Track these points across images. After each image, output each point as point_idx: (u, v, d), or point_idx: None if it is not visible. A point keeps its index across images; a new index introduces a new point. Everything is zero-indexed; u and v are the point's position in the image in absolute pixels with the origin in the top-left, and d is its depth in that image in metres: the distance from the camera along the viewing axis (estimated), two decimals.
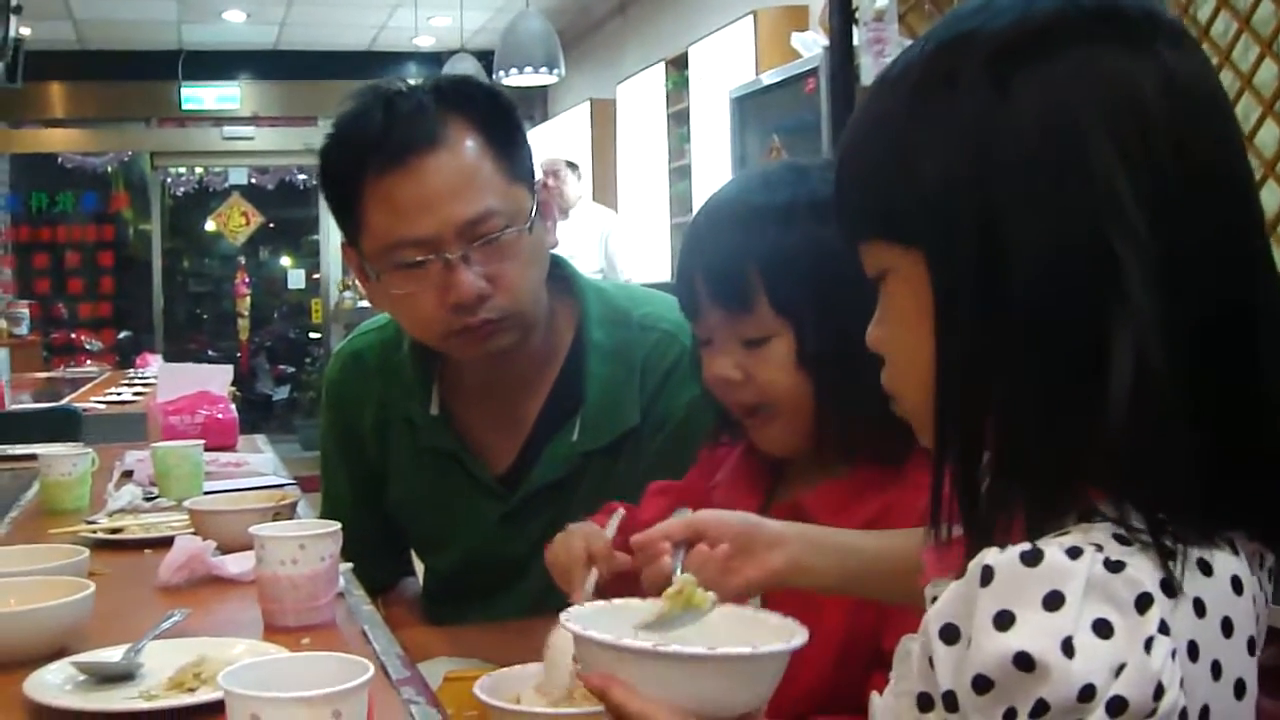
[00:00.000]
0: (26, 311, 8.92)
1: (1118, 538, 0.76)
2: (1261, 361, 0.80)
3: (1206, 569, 0.78)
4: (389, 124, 1.64)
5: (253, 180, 11.19)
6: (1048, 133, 0.80)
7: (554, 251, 1.83)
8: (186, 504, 1.89)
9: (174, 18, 9.13)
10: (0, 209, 10.17)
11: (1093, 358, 0.77)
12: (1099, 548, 0.74)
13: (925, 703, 0.81)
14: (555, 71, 7.10)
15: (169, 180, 10.86)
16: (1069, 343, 0.78)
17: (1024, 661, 0.71)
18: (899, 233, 0.87)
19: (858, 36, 4.59)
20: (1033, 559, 0.74)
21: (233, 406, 3.28)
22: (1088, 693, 0.71)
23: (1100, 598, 0.73)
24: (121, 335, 10.67)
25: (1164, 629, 0.73)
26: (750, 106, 5.64)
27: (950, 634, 0.77)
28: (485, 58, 7.95)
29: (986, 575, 0.75)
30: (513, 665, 1.44)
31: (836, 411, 1.34)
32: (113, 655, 1.23)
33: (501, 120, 1.70)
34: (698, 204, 5.92)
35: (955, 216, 0.82)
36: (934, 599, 0.81)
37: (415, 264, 1.64)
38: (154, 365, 7.91)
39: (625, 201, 8.22)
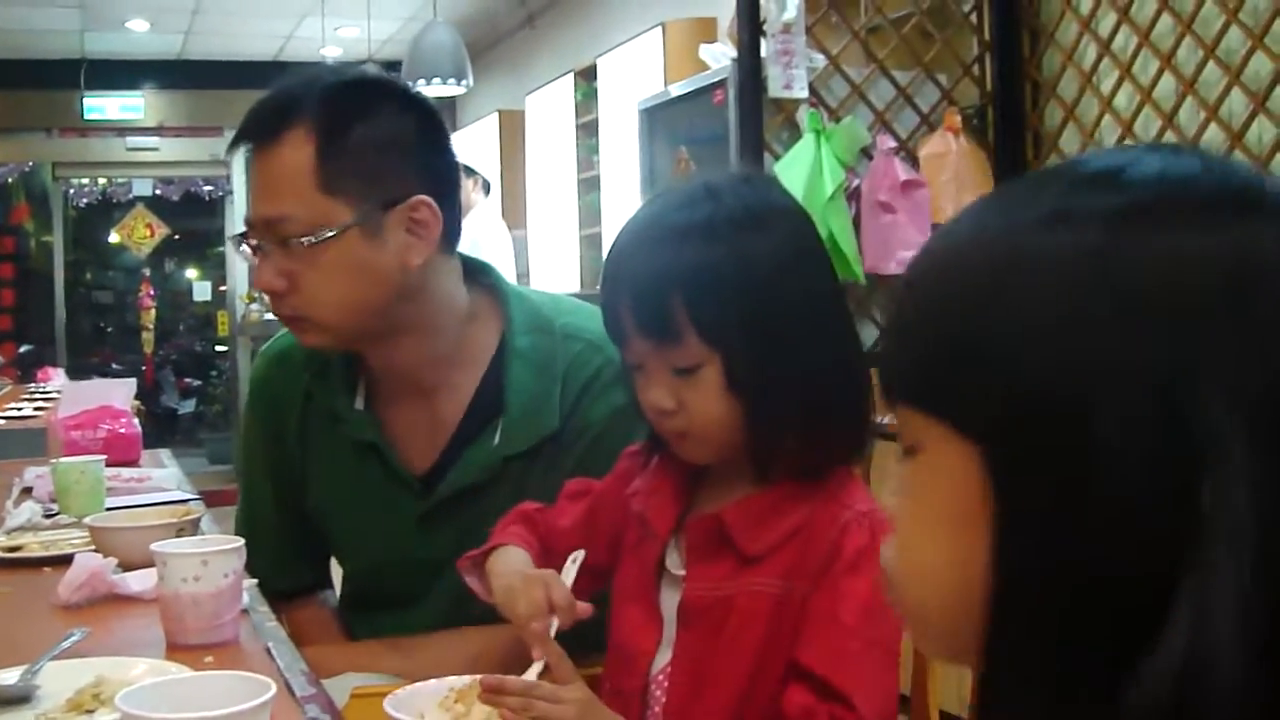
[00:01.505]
0: None
1: None
2: None
3: None
4: (255, 115, 1.74)
5: (158, 191, 11.02)
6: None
7: (480, 259, 1.92)
8: (87, 521, 1.86)
9: (77, 26, 8.99)
10: None
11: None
12: None
13: None
14: (463, 83, 7.08)
15: (71, 191, 10.69)
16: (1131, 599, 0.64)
17: None
18: (959, 419, 0.69)
19: (765, 48, 4.62)
20: None
21: (136, 421, 3.24)
22: None
23: None
24: (23, 349, 10.45)
25: None
26: (659, 118, 5.64)
27: None
28: (393, 68, 7.89)
29: None
30: (420, 680, 1.45)
31: (764, 432, 1.35)
32: (9, 678, 1.22)
33: (351, 132, 1.71)
34: (607, 215, 5.95)
35: (1051, 426, 0.65)
36: None
37: (251, 247, 1.75)
38: (56, 379, 7.77)
39: (534, 213, 8.21)
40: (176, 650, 1.37)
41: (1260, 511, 0.61)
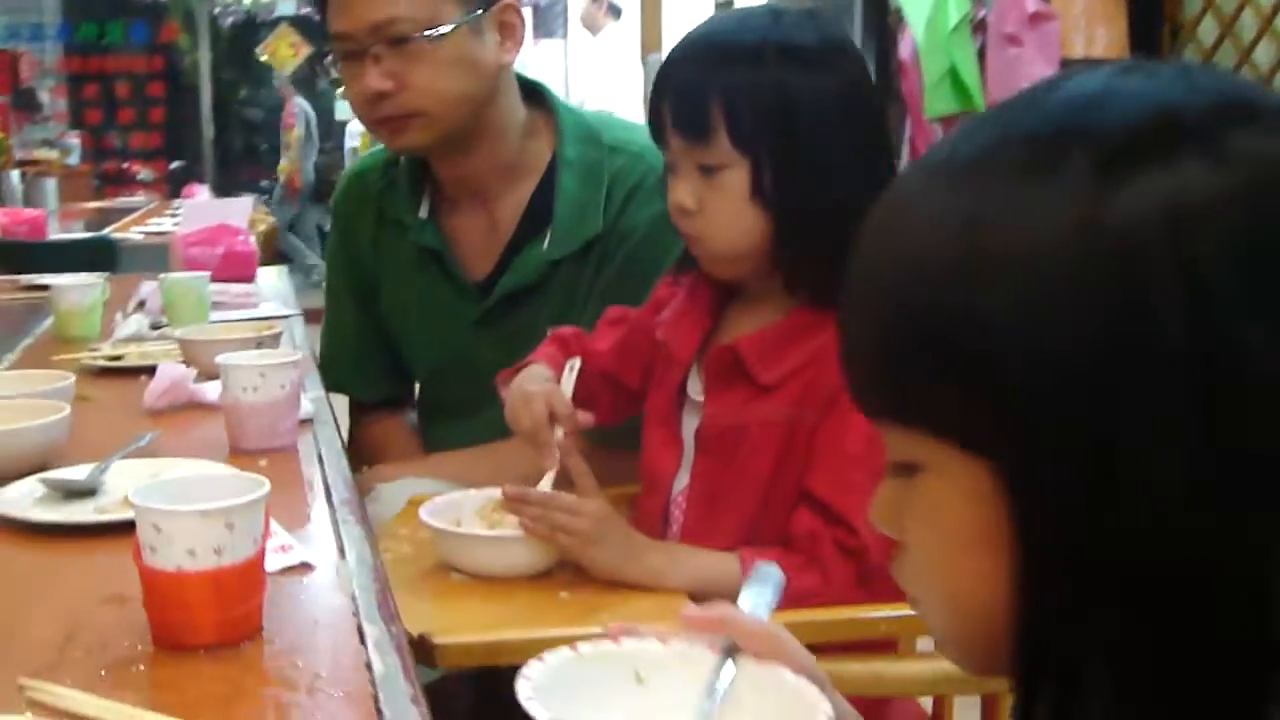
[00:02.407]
0: (77, 142, 8.98)
1: None
2: None
3: None
4: None
5: (303, 10, 11.13)
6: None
7: (537, 79, 2.03)
8: (177, 333, 1.97)
9: None
10: (51, 39, 10.19)
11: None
12: None
13: None
14: None
15: (218, 10, 10.84)
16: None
17: None
18: (958, 433, 0.63)
19: None
20: None
21: (252, 239, 3.36)
22: None
23: None
24: (173, 165, 10.75)
25: None
26: None
27: None
28: None
29: None
30: (476, 488, 1.54)
31: (787, 252, 1.40)
32: (81, 473, 1.33)
33: None
34: None
35: (1067, 427, 0.59)
36: None
37: (344, 55, 1.86)
38: (200, 196, 8.00)
39: (669, 38, 8.14)
40: (237, 454, 1.48)
41: None
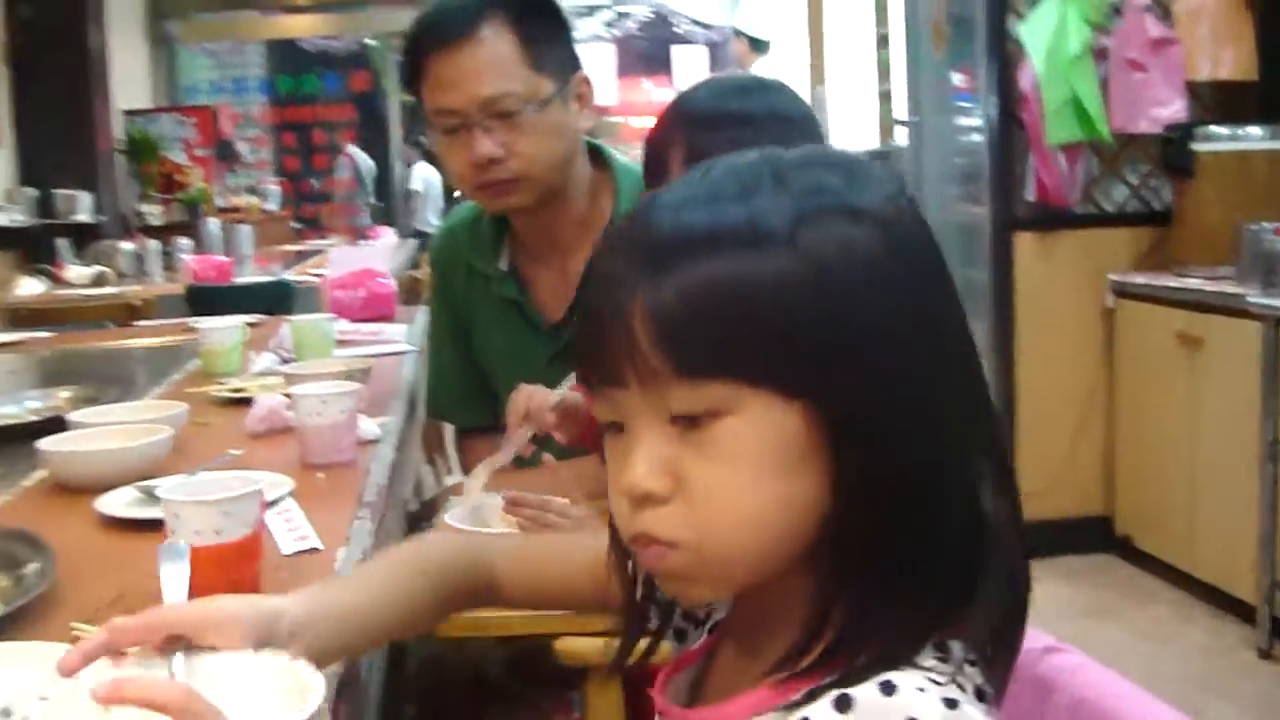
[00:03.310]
0: (277, 188, 9.60)
1: (946, 675, 0.79)
2: None
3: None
4: (441, 18, 2.11)
5: None
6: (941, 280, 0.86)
7: (596, 140, 2.31)
8: (285, 368, 2.31)
9: None
10: (254, 91, 10.89)
11: (967, 520, 0.83)
12: (936, 683, 0.78)
13: None
14: None
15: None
16: (949, 508, 0.82)
17: None
18: (788, 379, 0.80)
19: None
20: (889, 691, 0.77)
21: (392, 282, 3.72)
22: None
23: None
24: (363, 210, 11.33)
25: None
26: None
27: None
28: None
29: (843, 703, 0.77)
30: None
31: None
32: (172, 482, 1.66)
33: (536, 22, 2.12)
34: (895, 72, 5.84)
35: (875, 366, 0.80)
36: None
37: (450, 128, 2.11)
38: (385, 237, 8.50)
39: (833, 69, 8.35)
40: (306, 467, 1.80)
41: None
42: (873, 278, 0.81)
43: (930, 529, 0.81)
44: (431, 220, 10.50)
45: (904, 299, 0.83)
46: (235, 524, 1.21)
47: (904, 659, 0.79)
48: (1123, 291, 4.63)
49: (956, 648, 0.82)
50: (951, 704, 0.76)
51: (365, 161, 10.67)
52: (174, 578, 1.08)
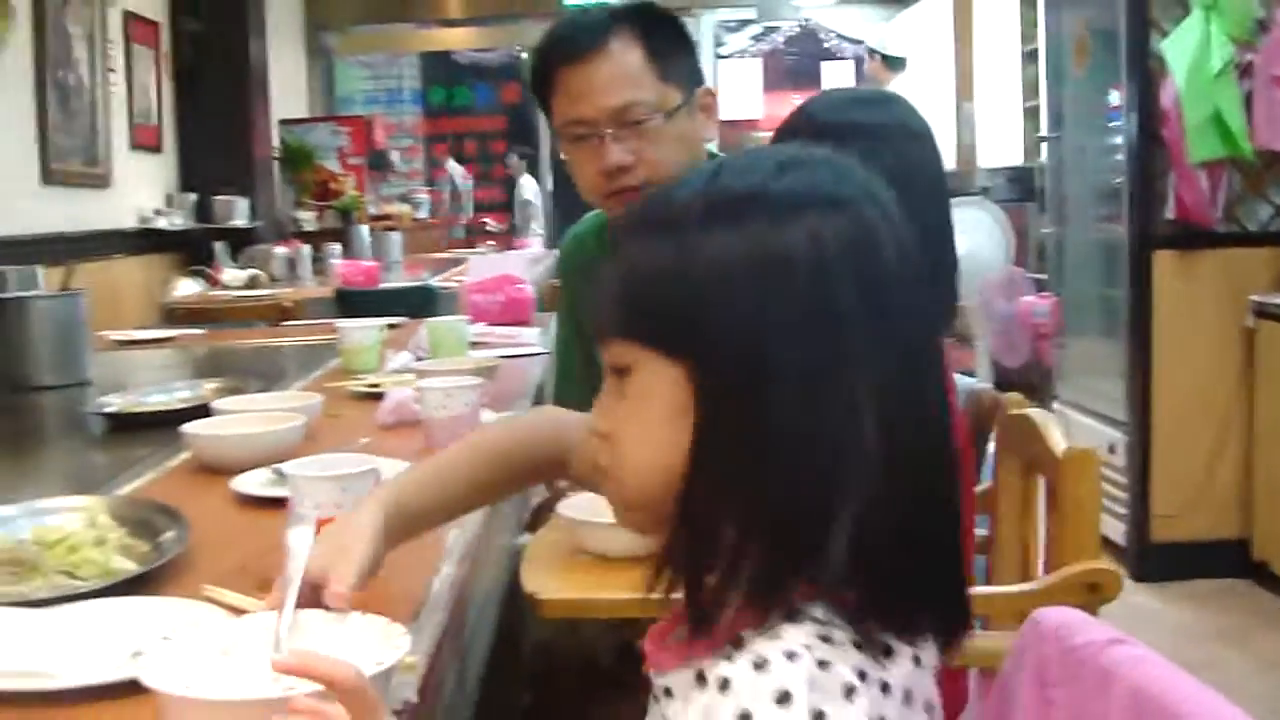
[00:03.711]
0: (427, 197, 9.83)
1: (821, 637, 0.89)
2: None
3: (889, 652, 0.93)
4: (571, 31, 2.18)
5: None
6: (810, 276, 0.93)
7: (715, 150, 2.37)
8: (417, 365, 2.43)
9: None
10: (408, 103, 11.17)
11: (825, 487, 0.92)
12: (809, 648, 0.88)
13: None
14: None
15: None
16: (808, 472, 0.92)
17: None
18: (669, 344, 0.95)
19: None
20: (761, 666, 0.87)
21: (530, 288, 3.83)
22: None
23: (819, 692, 0.86)
24: (515, 218, 11.55)
25: (866, 709, 0.87)
26: None
27: None
28: None
29: (724, 684, 0.87)
30: None
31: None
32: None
33: (662, 35, 2.19)
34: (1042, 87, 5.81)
35: (731, 342, 0.93)
36: (666, 689, 0.98)
37: (580, 137, 2.17)
38: (532, 246, 8.67)
39: (981, 85, 8.32)
40: (428, 456, 1.89)
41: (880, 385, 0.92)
42: (749, 275, 0.94)
43: (767, 499, 0.92)
44: (538, 231, 10.66)
45: (776, 297, 0.93)
46: (353, 499, 1.30)
47: (770, 616, 0.91)
48: (1263, 312, 4.56)
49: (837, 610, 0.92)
50: (824, 665, 0.87)
51: (461, 177, 10.84)
52: (300, 540, 1.17)
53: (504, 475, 1.42)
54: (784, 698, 0.85)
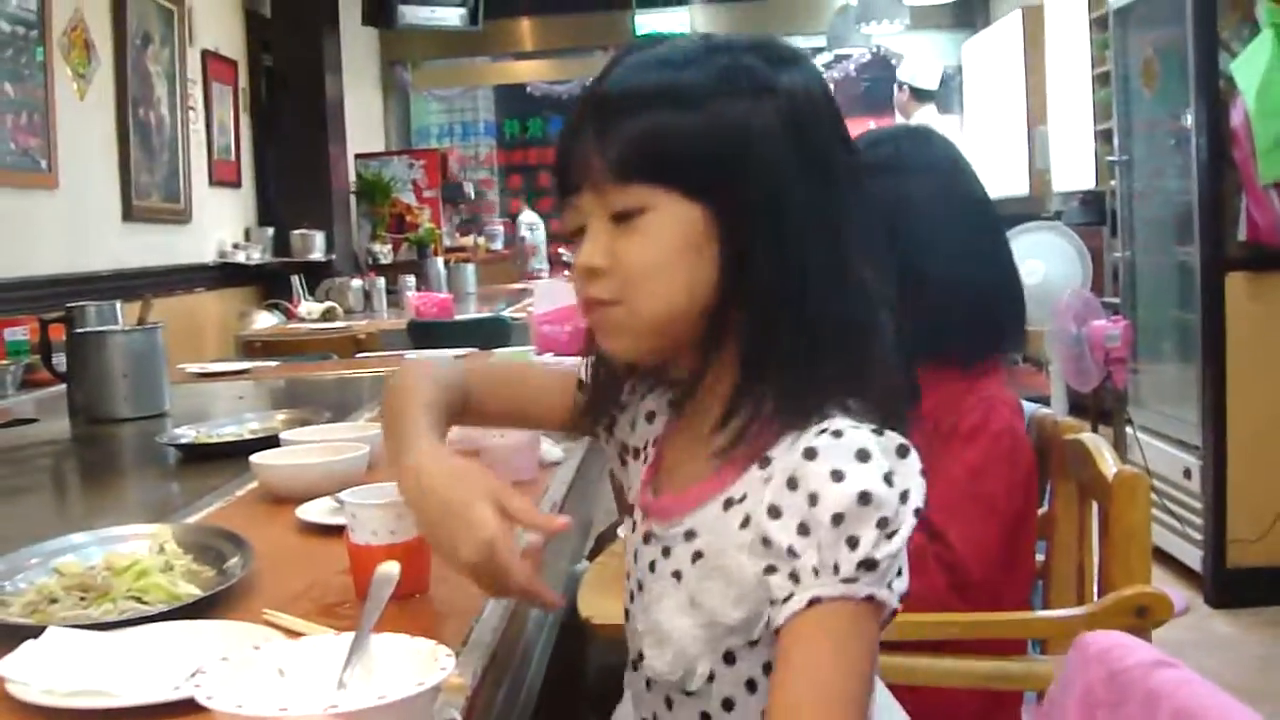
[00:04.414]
0: (501, 229, 9.92)
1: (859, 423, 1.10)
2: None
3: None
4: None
5: None
6: (810, 131, 1.15)
7: None
8: None
9: None
10: (485, 135, 11.29)
11: (859, 305, 1.14)
12: (856, 427, 1.08)
13: (768, 570, 1.08)
14: None
15: None
16: (839, 293, 1.12)
17: (865, 497, 1.02)
18: (693, 187, 1.11)
19: None
20: (839, 434, 1.06)
21: None
22: (904, 498, 1.06)
23: (885, 452, 1.06)
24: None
25: (916, 465, 1.08)
26: (1130, 16, 5.70)
27: (781, 504, 1.07)
28: None
29: (810, 453, 1.05)
30: None
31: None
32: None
33: None
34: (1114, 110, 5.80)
35: (757, 185, 1.11)
36: (686, 532, 1.17)
37: None
38: None
39: (1054, 109, 8.28)
40: None
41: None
42: (765, 131, 1.13)
43: (800, 319, 1.12)
44: None
45: (788, 149, 1.13)
46: (408, 525, 1.34)
47: (810, 422, 1.10)
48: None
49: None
50: (878, 432, 1.08)
51: (529, 227, 10.78)
52: (385, 576, 1.21)
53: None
54: (864, 455, 1.05)
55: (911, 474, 1.07)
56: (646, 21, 10.74)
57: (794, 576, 1.05)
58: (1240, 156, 4.62)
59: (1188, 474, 4.89)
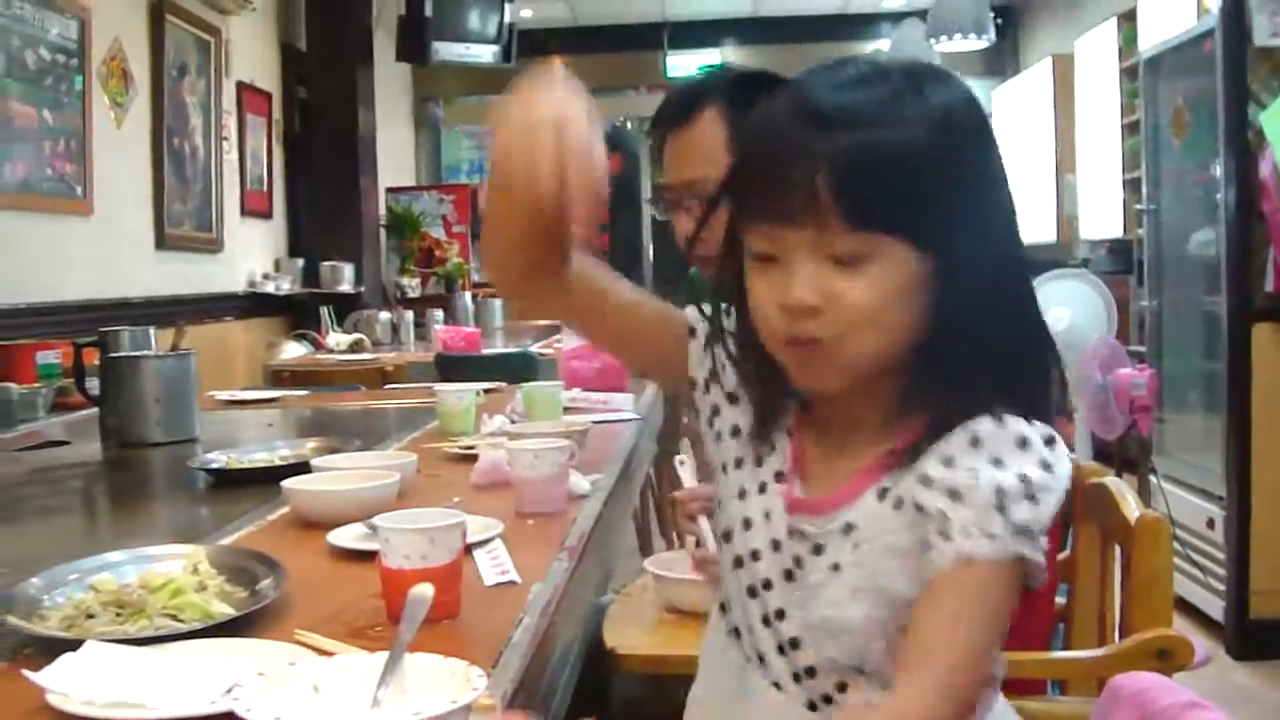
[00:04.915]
0: None
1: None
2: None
3: None
4: (669, 101, 2.23)
5: None
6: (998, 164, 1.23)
7: None
8: (504, 428, 2.49)
9: None
10: None
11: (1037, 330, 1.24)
12: (1014, 418, 1.16)
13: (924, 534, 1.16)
14: (984, 36, 7.35)
15: (651, 143, 11.68)
16: (1008, 328, 1.20)
17: (1024, 479, 1.12)
18: (910, 232, 1.15)
19: None
20: (1000, 421, 1.15)
21: None
22: (1063, 483, 1.15)
23: (1038, 440, 1.15)
24: None
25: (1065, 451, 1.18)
26: (1160, 66, 5.72)
27: (933, 475, 1.15)
28: (922, 17, 8.28)
29: (975, 440, 1.15)
30: None
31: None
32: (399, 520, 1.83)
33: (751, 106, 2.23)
34: (1143, 159, 5.83)
35: (960, 235, 1.16)
36: (845, 525, 1.21)
37: (667, 202, 2.23)
38: None
39: (1083, 157, 8.30)
40: (518, 516, 1.95)
41: None
42: (969, 161, 1.18)
43: (992, 341, 1.18)
44: None
45: (987, 186, 1.20)
46: (440, 550, 1.36)
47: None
48: None
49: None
50: (1030, 422, 1.16)
51: None
52: (418, 598, 1.23)
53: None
54: (1023, 443, 1.14)
55: (1062, 459, 1.17)
56: (678, 62, 10.83)
57: (944, 534, 1.13)
58: (1269, 208, 4.63)
59: (1211, 524, 4.88)
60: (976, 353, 1.18)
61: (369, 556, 1.57)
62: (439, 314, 7.26)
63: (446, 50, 8.14)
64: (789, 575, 1.26)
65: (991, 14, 7.75)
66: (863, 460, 1.23)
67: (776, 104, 1.20)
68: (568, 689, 1.53)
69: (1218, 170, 4.88)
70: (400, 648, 1.11)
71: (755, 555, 1.29)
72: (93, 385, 3.05)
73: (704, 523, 1.87)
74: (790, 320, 1.18)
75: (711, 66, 2.42)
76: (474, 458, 2.40)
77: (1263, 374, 4.69)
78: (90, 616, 1.38)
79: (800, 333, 1.18)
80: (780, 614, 1.27)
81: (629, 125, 11.51)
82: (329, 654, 1.23)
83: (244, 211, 6.69)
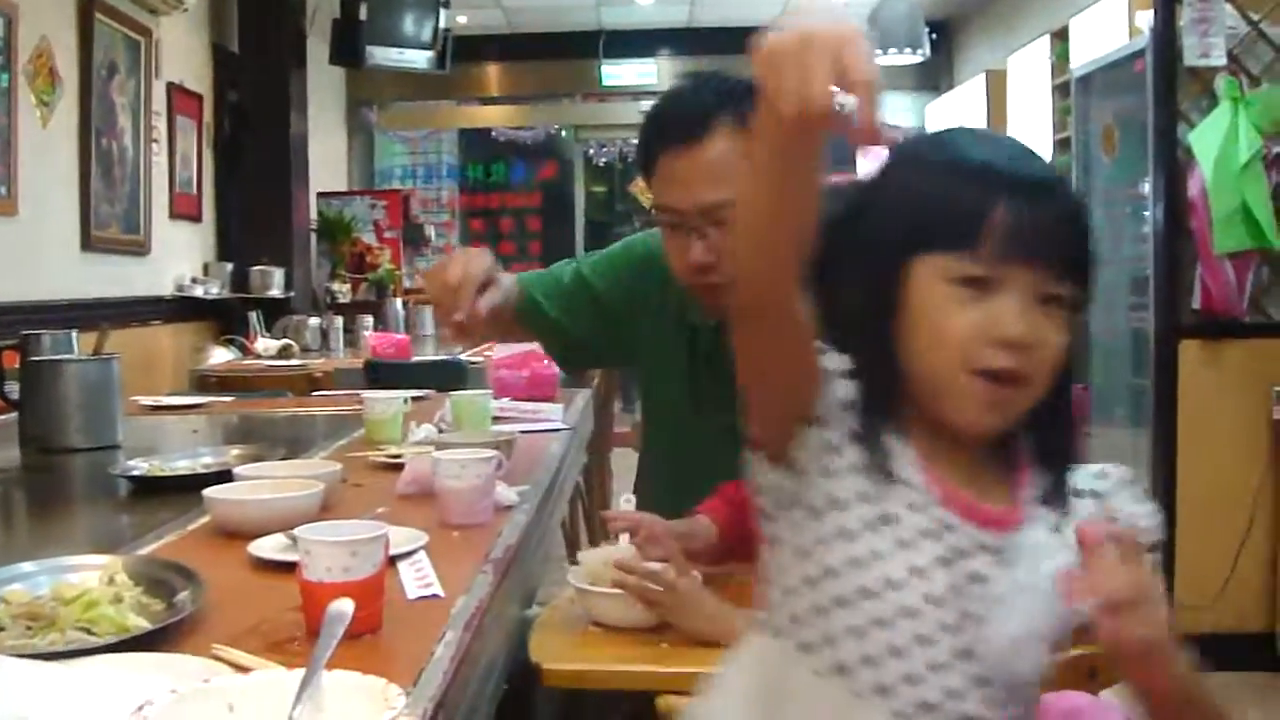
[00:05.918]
0: None
1: None
2: None
3: None
4: (677, 114, 2.14)
5: None
6: None
7: None
8: (434, 437, 2.46)
9: (594, 1, 9.91)
10: (447, 178, 11.29)
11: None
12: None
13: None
14: (919, 51, 7.39)
15: (591, 151, 11.71)
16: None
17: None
18: (1084, 282, 1.26)
19: (1182, 16, 4.72)
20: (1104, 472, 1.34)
21: (554, 364, 3.86)
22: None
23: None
24: None
25: None
26: (1091, 85, 5.78)
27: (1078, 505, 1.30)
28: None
29: (1103, 474, 1.33)
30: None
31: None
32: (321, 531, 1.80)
33: None
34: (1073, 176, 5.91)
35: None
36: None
37: (671, 224, 2.15)
38: None
39: None
40: (443, 527, 1.93)
41: None
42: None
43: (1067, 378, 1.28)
44: None
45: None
46: (362, 564, 1.34)
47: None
48: None
49: None
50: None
51: None
52: (338, 612, 1.20)
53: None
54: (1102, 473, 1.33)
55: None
56: (613, 71, 10.81)
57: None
58: (1197, 226, 4.68)
59: None
60: (1066, 394, 1.29)
61: (290, 568, 1.54)
62: (369, 320, 7.20)
63: (381, 55, 8.07)
64: (933, 597, 1.21)
65: (926, 29, 7.79)
66: (1005, 484, 1.30)
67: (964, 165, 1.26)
68: (491, 706, 1.51)
69: (1147, 188, 4.93)
70: (318, 665, 1.08)
71: (934, 565, 1.23)
72: (12, 389, 2.99)
73: None
74: (998, 353, 1.21)
75: (702, 75, 2.26)
76: (401, 467, 2.38)
77: (1189, 390, 4.75)
78: (0, 629, 1.34)
79: (1011, 368, 1.21)
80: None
81: (564, 133, 11.48)
82: (246, 669, 1.20)
83: (173, 214, 6.60)
